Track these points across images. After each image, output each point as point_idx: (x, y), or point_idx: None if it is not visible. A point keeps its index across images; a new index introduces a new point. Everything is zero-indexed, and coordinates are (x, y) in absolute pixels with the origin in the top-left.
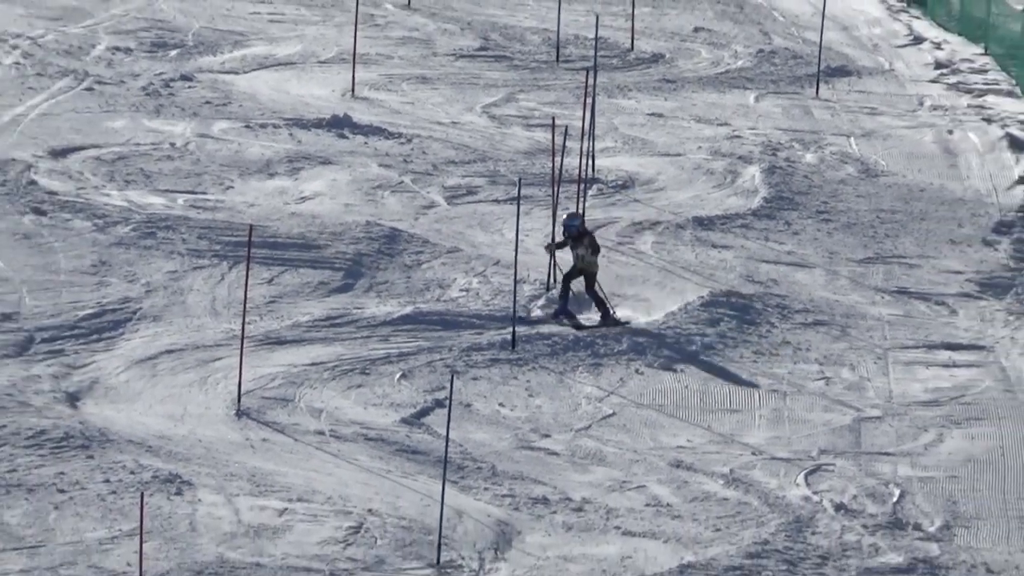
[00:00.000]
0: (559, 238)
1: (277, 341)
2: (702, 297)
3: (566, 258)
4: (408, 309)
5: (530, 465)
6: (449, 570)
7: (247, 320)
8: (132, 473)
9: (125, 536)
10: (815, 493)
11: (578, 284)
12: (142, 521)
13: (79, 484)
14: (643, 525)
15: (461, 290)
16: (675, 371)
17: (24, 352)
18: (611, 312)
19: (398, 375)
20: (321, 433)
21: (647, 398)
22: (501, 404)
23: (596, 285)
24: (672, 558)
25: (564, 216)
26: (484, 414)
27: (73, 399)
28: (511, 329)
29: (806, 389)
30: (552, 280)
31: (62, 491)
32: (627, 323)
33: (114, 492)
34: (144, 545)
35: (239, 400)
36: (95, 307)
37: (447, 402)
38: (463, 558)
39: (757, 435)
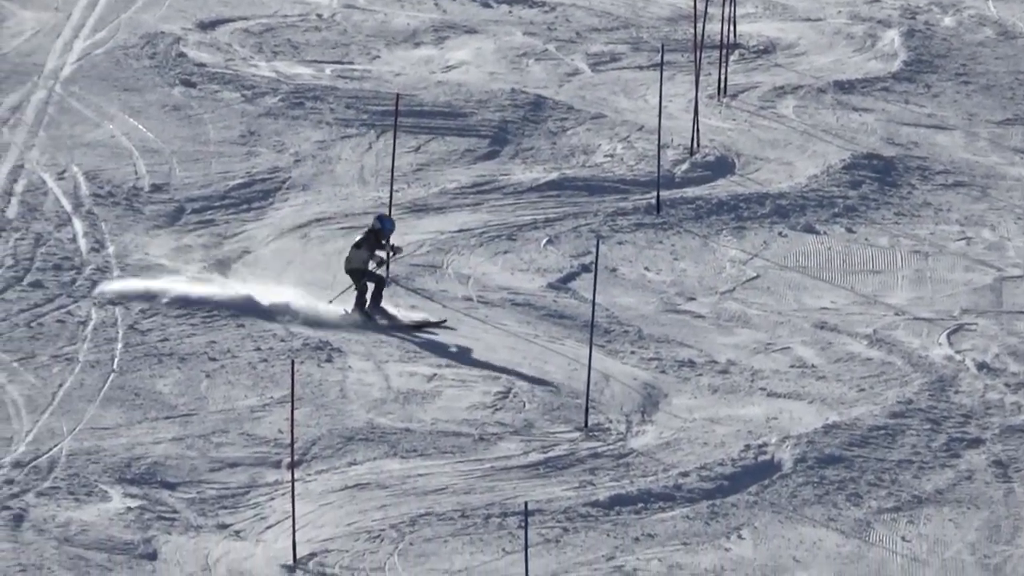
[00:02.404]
0: (378, 253)
1: (424, 208)
2: (844, 160)
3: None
4: (553, 175)
5: (676, 328)
6: (597, 433)
7: (395, 188)
8: (282, 341)
9: (276, 403)
10: (957, 352)
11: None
12: (293, 388)
13: (230, 353)
14: (788, 386)
15: (605, 156)
16: (818, 233)
17: (175, 222)
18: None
19: (544, 240)
20: (469, 299)
21: (791, 260)
22: (646, 268)
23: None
24: (817, 418)
25: (378, 219)
26: (630, 278)
27: (223, 268)
28: (655, 193)
29: (947, 249)
30: (697, 142)
31: (213, 360)
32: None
33: (265, 360)
34: (295, 412)
35: (387, 267)
36: (245, 177)
37: (593, 267)
38: (610, 421)
39: (899, 295)
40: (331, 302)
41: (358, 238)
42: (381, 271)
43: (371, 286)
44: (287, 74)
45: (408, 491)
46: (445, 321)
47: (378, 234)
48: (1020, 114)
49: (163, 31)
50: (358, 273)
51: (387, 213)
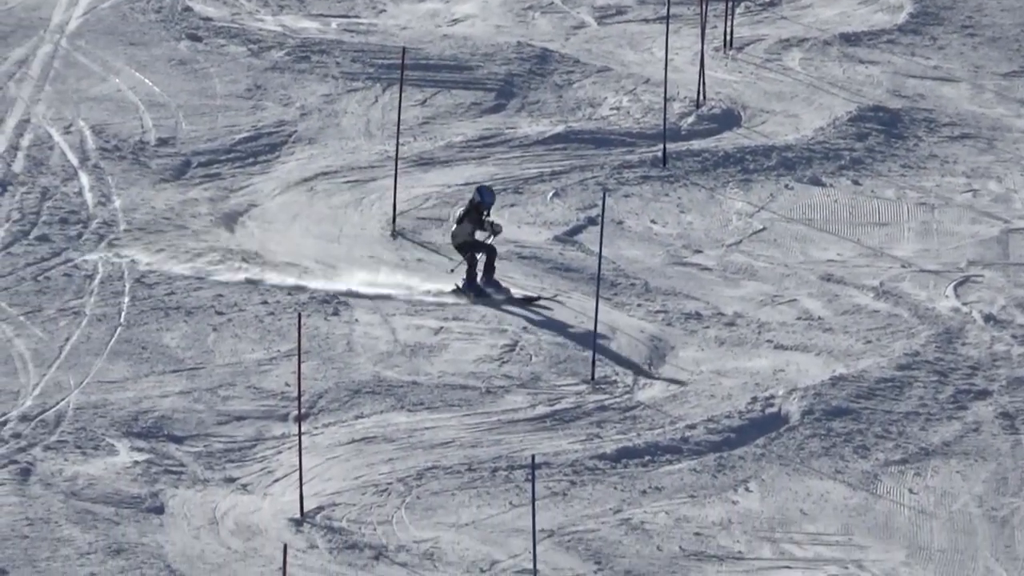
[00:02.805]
0: (472, 228)
1: (430, 161)
2: (850, 112)
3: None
4: (560, 128)
5: (682, 280)
6: (603, 386)
7: (401, 141)
8: (289, 294)
9: (283, 357)
10: (964, 304)
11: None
12: (300, 342)
13: (237, 306)
14: (795, 338)
15: (612, 108)
16: (824, 185)
17: (181, 176)
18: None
19: (551, 193)
20: None
21: (797, 213)
22: (653, 221)
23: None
24: (823, 371)
25: (478, 191)
26: (636, 231)
27: (230, 221)
28: (662, 146)
29: (954, 202)
30: (701, 96)
31: (220, 313)
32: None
33: (272, 313)
34: (302, 365)
35: (394, 220)
36: (251, 131)
37: (599, 219)
38: (617, 374)
39: (906, 247)
40: (452, 271)
41: (459, 212)
42: (491, 240)
43: (481, 258)
44: (293, 28)
45: (415, 444)
46: (556, 295)
47: (479, 207)
48: None
49: None
50: (466, 246)
51: (487, 185)
